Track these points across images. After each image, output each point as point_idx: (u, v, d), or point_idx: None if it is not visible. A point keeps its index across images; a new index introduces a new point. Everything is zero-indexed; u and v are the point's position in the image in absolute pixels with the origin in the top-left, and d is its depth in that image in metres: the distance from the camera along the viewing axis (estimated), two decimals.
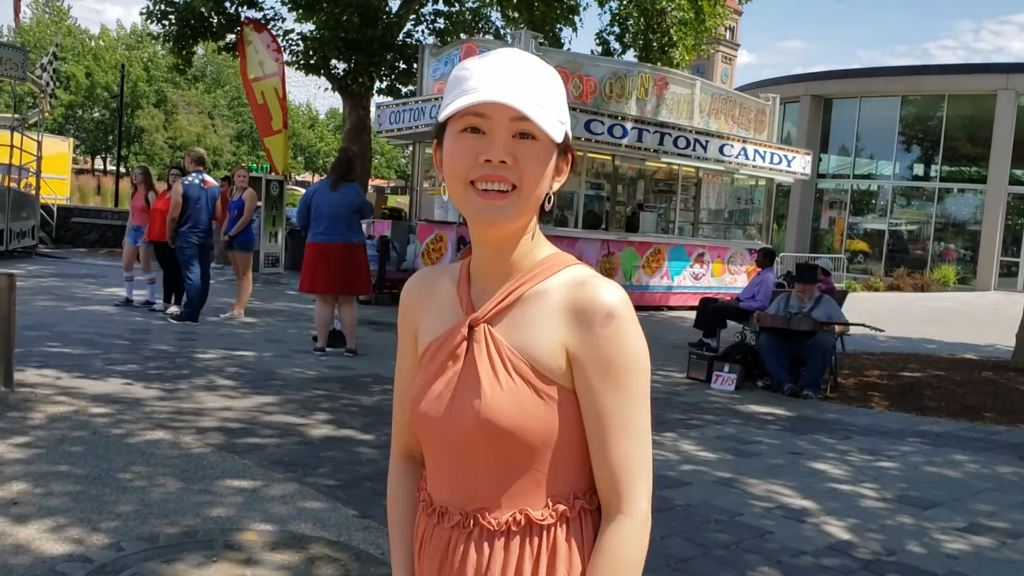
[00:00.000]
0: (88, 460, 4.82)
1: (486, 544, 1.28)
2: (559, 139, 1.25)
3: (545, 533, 1.28)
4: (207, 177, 10.83)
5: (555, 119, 1.24)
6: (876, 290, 26.27)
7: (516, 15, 20.13)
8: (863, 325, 9.30)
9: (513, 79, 1.22)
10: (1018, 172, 28.60)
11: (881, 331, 9.85)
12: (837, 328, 8.80)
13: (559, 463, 1.28)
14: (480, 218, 1.25)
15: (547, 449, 1.26)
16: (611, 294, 1.27)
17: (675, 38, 19.91)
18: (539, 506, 1.28)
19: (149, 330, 9.80)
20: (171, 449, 5.19)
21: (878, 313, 16.59)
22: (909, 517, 4.92)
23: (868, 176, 32.31)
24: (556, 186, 1.30)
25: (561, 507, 1.29)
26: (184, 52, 19.75)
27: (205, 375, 7.47)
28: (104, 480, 4.51)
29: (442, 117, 1.26)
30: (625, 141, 14.56)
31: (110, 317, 10.62)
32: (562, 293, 1.28)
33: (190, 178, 10.55)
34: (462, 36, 19.27)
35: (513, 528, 1.27)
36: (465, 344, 1.30)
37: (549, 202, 1.29)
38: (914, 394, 8.76)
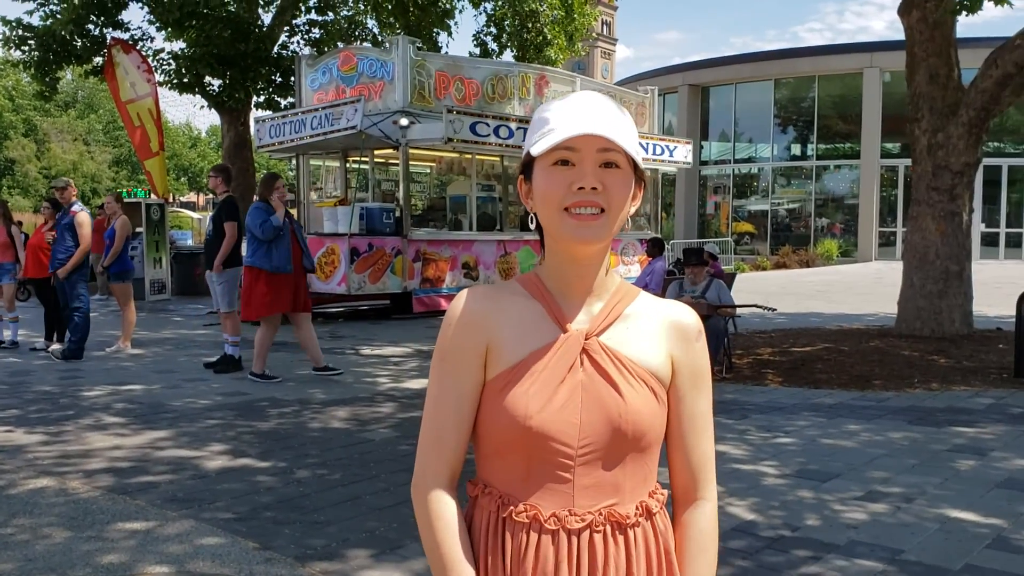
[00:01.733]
0: None
1: (621, 537, 1.41)
2: (640, 163, 1.41)
3: (656, 518, 1.46)
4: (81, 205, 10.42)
5: (633, 149, 1.38)
6: (764, 269, 27.06)
7: (392, 20, 19.98)
8: (755, 306, 9.53)
9: (595, 115, 1.36)
10: (888, 146, 29.86)
11: (773, 310, 10.13)
12: (730, 310, 8.99)
13: (656, 458, 1.47)
14: (576, 237, 1.38)
15: (657, 446, 1.46)
16: (696, 318, 1.52)
17: (549, 36, 20.11)
18: (647, 496, 1.45)
19: (30, 371, 9.34)
20: (57, 497, 4.93)
21: (767, 291, 17.09)
22: (809, 491, 5.03)
23: (748, 160, 33.27)
24: (632, 210, 1.44)
25: (660, 496, 1.48)
26: (48, 78, 18.93)
27: (92, 414, 7.15)
28: None
29: (537, 152, 1.38)
30: (511, 141, 14.58)
31: None
32: (659, 312, 1.49)
33: (80, 207, 10.19)
34: (339, 45, 19.00)
35: (640, 519, 1.43)
36: (579, 356, 1.41)
37: (628, 224, 1.50)
38: (806, 368, 9.02)
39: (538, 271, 1.50)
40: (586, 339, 1.42)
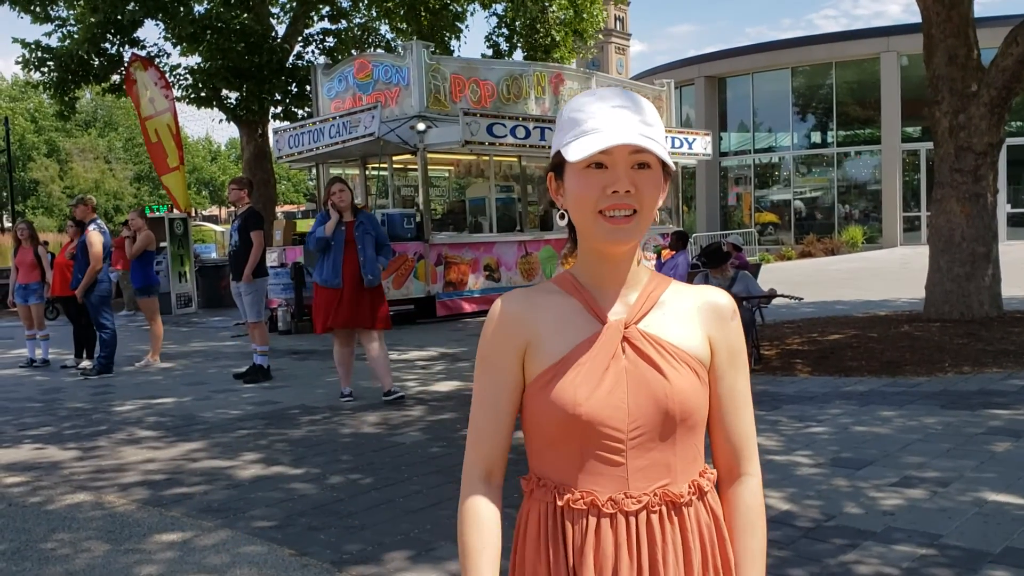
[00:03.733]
0: (5, 535, 4.59)
1: (677, 516, 1.45)
2: (671, 164, 1.44)
3: (707, 497, 1.50)
4: (101, 223, 10.50)
5: (662, 147, 1.40)
6: (789, 259, 26.89)
7: (405, 26, 20.04)
8: (782, 295, 9.47)
9: (628, 118, 1.39)
10: (909, 129, 29.58)
11: (800, 299, 10.07)
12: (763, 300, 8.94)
13: (701, 438, 1.50)
14: (610, 239, 1.42)
15: (702, 426, 1.50)
16: (729, 298, 1.56)
17: (557, 38, 20.11)
18: (698, 476, 1.49)
19: (62, 388, 9.44)
20: (94, 511, 4.98)
21: (793, 281, 16.98)
22: (844, 479, 5.00)
23: (769, 149, 33.06)
24: (660, 202, 1.47)
25: (710, 475, 1.52)
26: (67, 98, 19.14)
27: (125, 428, 7.21)
28: (23, 554, 4.29)
29: (573, 159, 1.38)
30: (528, 141, 14.58)
31: (20, 380, 10.22)
32: (691, 297, 1.53)
33: (96, 227, 10.22)
34: (353, 52, 19.09)
35: (693, 497, 1.47)
36: (621, 344, 1.45)
37: (657, 218, 1.51)
38: (836, 356, 8.95)
39: (572, 270, 1.53)
40: (625, 328, 1.46)
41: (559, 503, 1.45)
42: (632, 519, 1.43)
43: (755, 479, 1.55)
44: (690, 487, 1.47)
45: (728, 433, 1.54)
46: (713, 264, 9.14)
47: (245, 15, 18.42)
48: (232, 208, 12.21)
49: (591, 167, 1.40)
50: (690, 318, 1.50)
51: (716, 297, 1.54)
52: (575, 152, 1.38)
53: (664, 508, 1.44)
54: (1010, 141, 18.75)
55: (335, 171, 17.31)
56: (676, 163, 18.52)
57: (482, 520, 1.47)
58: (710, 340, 1.50)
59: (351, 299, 7.68)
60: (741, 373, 1.54)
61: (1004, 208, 26.40)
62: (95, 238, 10.04)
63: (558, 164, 1.47)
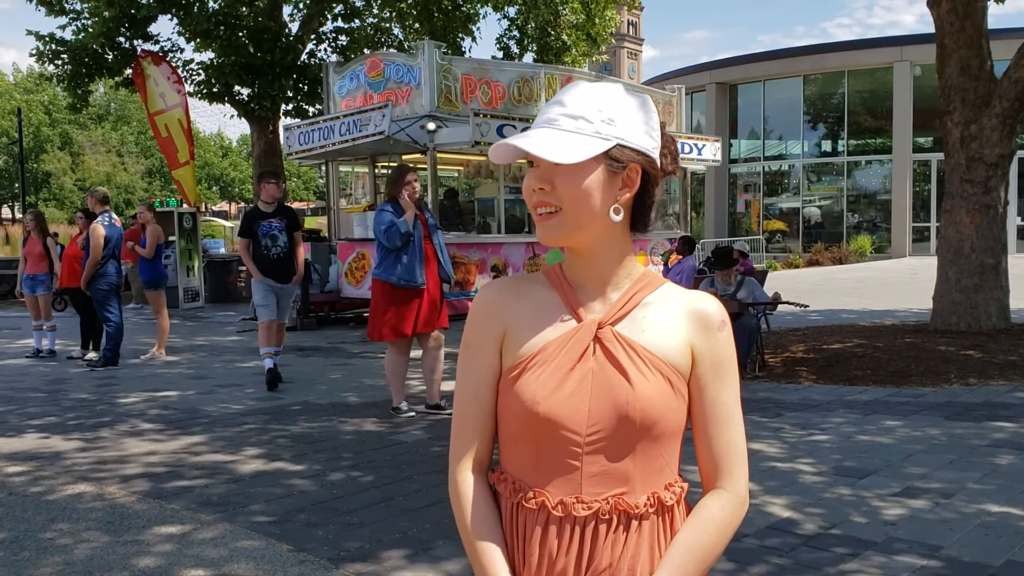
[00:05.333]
0: (4, 524, 4.60)
1: (625, 528, 1.39)
2: (575, 159, 1.34)
3: (669, 513, 1.44)
4: (114, 216, 10.53)
5: (586, 138, 1.36)
6: (796, 267, 26.84)
7: (417, 26, 20.07)
8: (787, 302, 9.44)
9: (552, 110, 1.40)
10: (920, 140, 29.50)
11: (806, 306, 10.03)
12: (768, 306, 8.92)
13: (673, 450, 1.44)
14: (540, 238, 1.43)
15: (674, 437, 1.43)
16: (719, 307, 1.48)
17: (568, 42, 20.10)
18: (662, 489, 1.43)
19: (67, 379, 9.46)
20: (95, 501, 4.99)
21: (800, 289, 16.93)
22: (846, 488, 4.97)
23: (779, 157, 33.01)
24: (624, 197, 1.41)
25: (677, 489, 1.45)
26: (80, 91, 19.20)
27: (128, 420, 7.22)
28: (23, 543, 4.30)
29: (495, 161, 1.43)
30: None
31: (25, 370, 10.25)
32: (678, 302, 1.47)
33: (104, 219, 10.23)
34: (365, 51, 19.10)
35: (650, 510, 1.41)
36: (591, 344, 1.41)
37: (617, 214, 1.41)
38: (840, 365, 8.92)
39: (563, 262, 1.52)
40: (599, 328, 1.42)
41: (514, 500, 1.43)
42: (578, 527, 1.39)
43: (730, 496, 1.45)
44: (648, 499, 1.41)
45: (710, 446, 1.46)
46: (722, 265, 9.13)
47: (257, 12, 18.47)
48: (245, 204, 12.10)
49: (530, 164, 1.41)
50: (673, 323, 1.44)
51: (705, 305, 1.47)
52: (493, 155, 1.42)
53: (615, 517, 1.39)
54: (1021, 153, 18.70)
55: (345, 169, 17.36)
56: (685, 169, 18.49)
57: (481, 509, 1.45)
58: (692, 348, 1.44)
59: (433, 300, 7.10)
60: (727, 385, 1.46)
61: (1014, 220, 26.29)
62: (97, 230, 10.06)
63: None
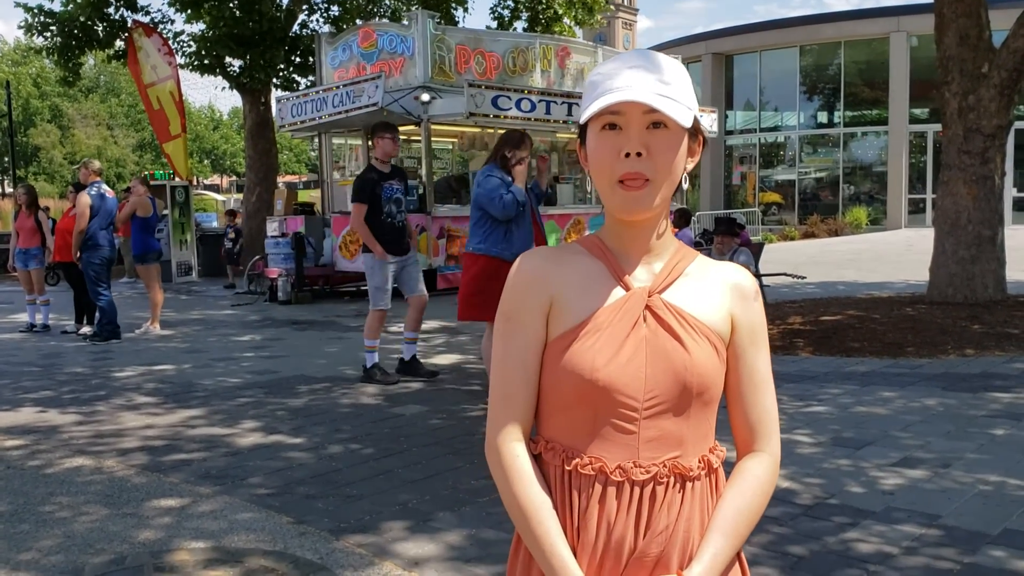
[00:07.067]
0: (3, 497, 4.58)
1: (680, 490, 1.43)
2: (687, 124, 1.40)
3: (715, 475, 1.50)
4: (106, 188, 10.45)
5: (683, 106, 1.39)
6: (792, 239, 26.84)
7: None
8: (784, 274, 9.43)
9: (640, 75, 1.38)
10: (916, 111, 29.41)
11: (803, 278, 10.03)
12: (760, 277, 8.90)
13: (714, 414, 1.50)
14: (623, 209, 1.41)
15: (716, 402, 1.49)
16: (752, 278, 1.54)
17: (560, 11, 19.95)
18: (708, 451, 1.48)
19: (62, 353, 9.43)
20: (93, 475, 4.97)
21: (796, 261, 16.93)
22: (845, 458, 4.98)
23: (775, 128, 32.90)
24: (690, 166, 1.46)
25: (720, 451, 1.51)
26: (71, 64, 19.01)
27: (124, 394, 7.20)
28: (22, 516, 4.28)
29: (583, 120, 1.42)
30: (534, 114, 14.47)
31: (19, 344, 10.21)
32: (715, 273, 1.51)
33: (92, 189, 10.16)
34: (357, 22, 18.92)
35: (702, 472, 1.46)
36: (643, 312, 1.43)
37: (686, 182, 1.46)
38: (837, 337, 8.92)
39: (599, 232, 1.53)
40: (649, 296, 1.45)
41: (567, 467, 1.43)
42: (638, 488, 1.42)
43: (769, 457, 1.53)
44: (700, 462, 1.46)
45: (747, 411, 1.52)
46: (721, 231, 9.09)
47: None
48: (237, 177, 12.02)
49: (606, 128, 1.40)
50: (714, 293, 1.49)
51: (741, 277, 1.53)
52: (588, 111, 1.39)
53: (672, 479, 1.43)
54: (1018, 124, 18.65)
55: (338, 141, 17.24)
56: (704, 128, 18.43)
57: (533, 477, 1.44)
58: (732, 317, 1.49)
59: None
60: (762, 352, 1.53)
61: (1011, 191, 26.27)
62: (84, 200, 10.00)
63: (582, 130, 1.46)
